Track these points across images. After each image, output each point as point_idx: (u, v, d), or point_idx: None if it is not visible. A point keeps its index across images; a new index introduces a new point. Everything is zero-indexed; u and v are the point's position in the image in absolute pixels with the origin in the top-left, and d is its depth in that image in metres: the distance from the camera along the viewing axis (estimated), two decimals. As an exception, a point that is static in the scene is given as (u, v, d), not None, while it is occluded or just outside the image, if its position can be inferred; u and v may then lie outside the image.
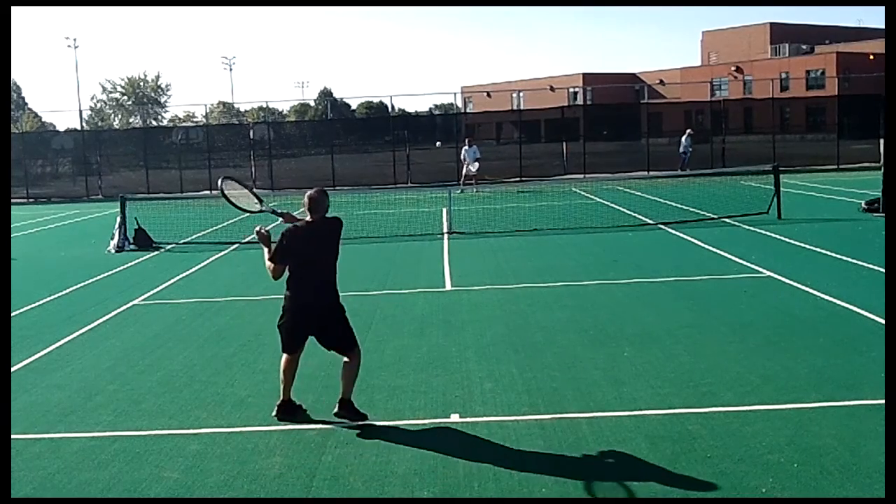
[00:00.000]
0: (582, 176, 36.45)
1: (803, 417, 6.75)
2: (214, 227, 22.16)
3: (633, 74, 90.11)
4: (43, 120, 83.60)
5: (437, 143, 32.40)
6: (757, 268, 13.21)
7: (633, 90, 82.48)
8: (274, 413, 7.15)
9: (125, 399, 7.94)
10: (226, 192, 7.41)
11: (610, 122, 59.76)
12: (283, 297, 7.11)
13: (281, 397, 7.18)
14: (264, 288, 13.45)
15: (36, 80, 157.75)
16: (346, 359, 7.11)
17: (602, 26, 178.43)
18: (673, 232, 18.07)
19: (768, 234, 17.07)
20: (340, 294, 7.30)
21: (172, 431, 7.05)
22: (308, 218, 7.10)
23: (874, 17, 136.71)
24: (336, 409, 6.99)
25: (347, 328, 7.16)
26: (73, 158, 43.88)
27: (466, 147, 32.38)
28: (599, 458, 6.08)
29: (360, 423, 6.87)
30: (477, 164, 31.93)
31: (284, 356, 7.15)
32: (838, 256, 13.96)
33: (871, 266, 12.83)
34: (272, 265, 6.98)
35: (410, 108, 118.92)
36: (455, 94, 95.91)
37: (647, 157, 38.97)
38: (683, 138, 36.56)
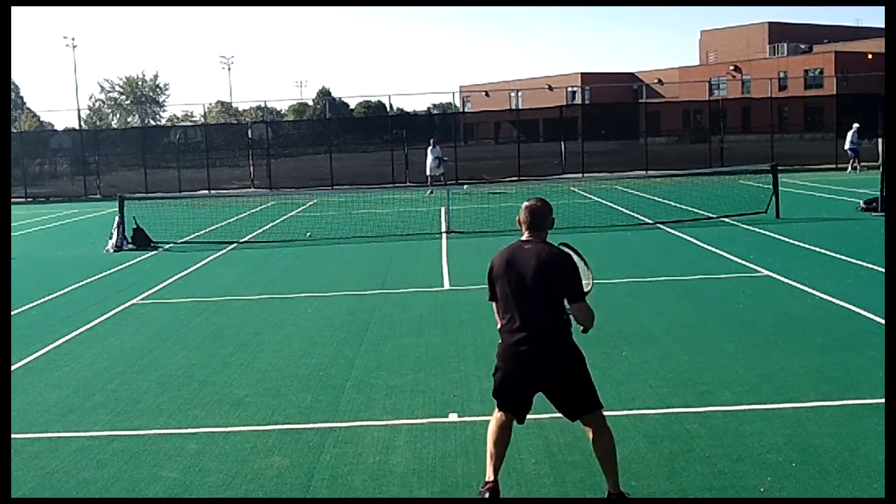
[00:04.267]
0: (580, 175, 36.46)
1: (801, 417, 6.75)
2: (213, 227, 22.18)
3: (632, 74, 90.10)
4: (41, 119, 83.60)
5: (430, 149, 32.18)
6: (755, 267, 13.22)
7: (631, 89, 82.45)
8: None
9: (123, 398, 7.94)
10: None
11: (608, 121, 59.63)
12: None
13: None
14: (262, 287, 13.48)
15: (34, 80, 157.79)
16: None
17: (600, 26, 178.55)
18: (671, 231, 18.07)
19: (767, 233, 17.08)
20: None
21: (171, 431, 7.04)
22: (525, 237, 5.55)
23: (873, 17, 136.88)
24: None
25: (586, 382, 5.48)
26: (72, 158, 43.83)
27: (431, 147, 31.92)
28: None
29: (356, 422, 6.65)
30: (438, 163, 31.48)
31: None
32: (837, 256, 13.97)
33: (869, 265, 12.83)
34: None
35: (409, 108, 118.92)
36: (453, 93, 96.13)
37: (646, 156, 38.97)
38: (850, 133, 33.51)
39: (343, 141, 53.78)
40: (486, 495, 5.29)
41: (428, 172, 31.58)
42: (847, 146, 33.98)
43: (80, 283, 14.38)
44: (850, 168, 34.02)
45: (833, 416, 6.74)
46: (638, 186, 30.24)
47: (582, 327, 5.32)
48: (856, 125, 33.43)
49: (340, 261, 16.04)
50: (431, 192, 29.59)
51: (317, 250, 17.62)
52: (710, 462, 5.93)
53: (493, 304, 5.47)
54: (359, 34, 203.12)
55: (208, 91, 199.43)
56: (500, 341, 5.36)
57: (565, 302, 5.27)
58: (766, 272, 12.76)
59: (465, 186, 30.23)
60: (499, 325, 5.39)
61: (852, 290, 11.18)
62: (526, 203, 5.51)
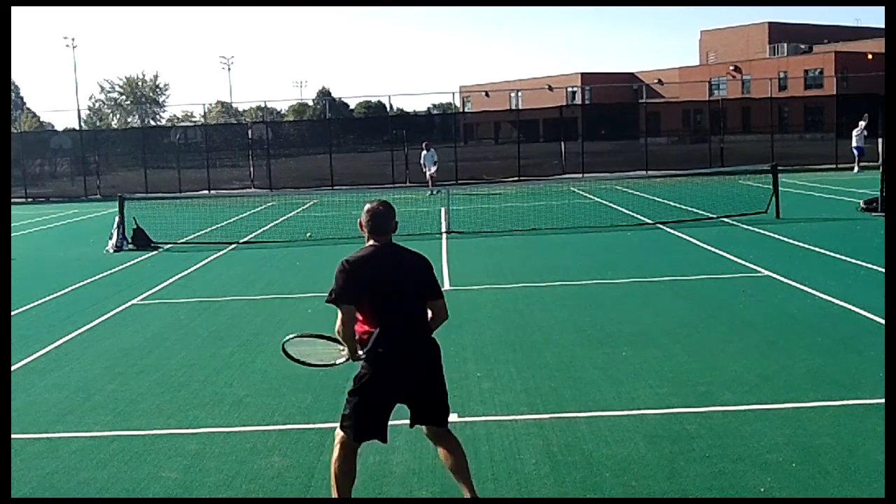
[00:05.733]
0: (580, 175, 36.47)
1: (801, 417, 6.75)
2: (213, 227, 22.17)
3: (632, 74, 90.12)
4: (41, 120, 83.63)
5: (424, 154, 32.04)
6: (755, 267, 13.22)
7: (631, 90, 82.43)
8: None
9: (123, 399, 7.94)
10: (293, 355, 5.42)
11: (608, 121, 59.76)
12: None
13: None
14: (262, 287, 13.48)
15: (34, 80, 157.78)
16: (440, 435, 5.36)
17: (600, 26, 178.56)
18: (671, 231, 18.07)
19: (767, 233, 17.08)
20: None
21: (171, 431, 7.04)
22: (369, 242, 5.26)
23: (873, 17, 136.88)
24: None
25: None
26: (72, 158, 43.86)
27: (424, 151, 31.85)
28: (598, 458, 6.08)
29: None
30: (435, 167, 31.46)
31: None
32: (837, 256, 13.97)
33: (869, 265, 12.83)
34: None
35: (409, 108, 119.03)
36: (453, 93, 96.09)
37: (646, 156, 38.97)
38: (857, 130, 32.94)
39: (343, 141, 53.86)
40: None
41: (432, 173, 31.56)
42: (854, 144, 33.71)
43: (80, 284, 14.38)
44: (856, 167, 33.81)
45: (833, 416, 6.73)
46: (638, 186, 30.24)
47: (436, 325, 5.23)
48: (863, 122, 32.59)
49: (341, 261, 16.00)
50: (437, 192, 29.55)
51: (317, 250, 17.62)
52: (710, 462, 5.92)
53: (341, 307, 5.04)
54: (359, 34, 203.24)
55: (208, 91, 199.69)
56: (366, 350, 5.03)
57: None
58: (766, 272, 12.76)
59: (441, 191, 29.95)
60: (362, 333, 5.06)
61: (852, 290, 11.18)
62: (368, 206, 5.20)
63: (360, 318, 5.08)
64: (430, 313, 5.19)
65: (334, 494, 5.15)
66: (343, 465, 5.13)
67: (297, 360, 5.37)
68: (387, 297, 5.04)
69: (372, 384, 5.02)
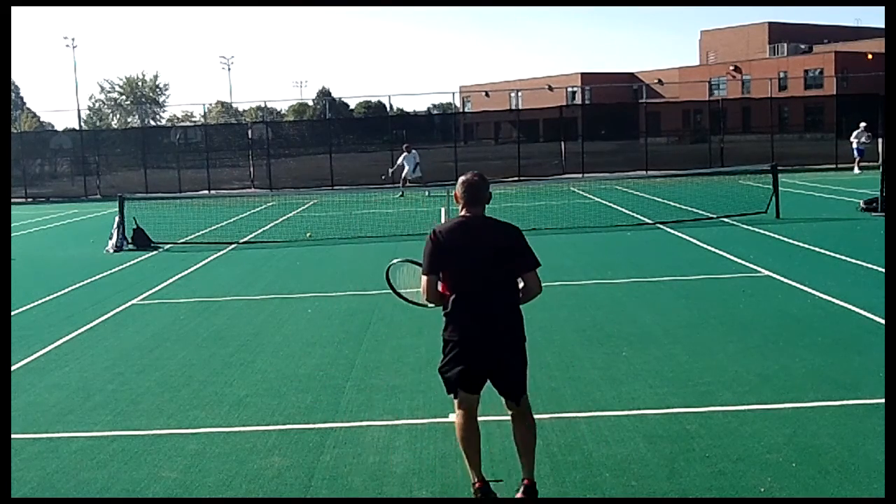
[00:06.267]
0: (580, 175, 36.48)
1: (801, 417, 6.75)
2: (213, 227, 22.18)
3: (632, 74, 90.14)
4: (41, 120, 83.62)
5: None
6: (755, 267, 13.22)
7: (631, 90, 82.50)
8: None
9: (123, 399, 7.94)
10: (393, 282, 5.83)
11: (608, 121, 59.80)
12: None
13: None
14: (262, 287, 13.48)
15: (34, 80, 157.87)
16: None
17: (600, 26, 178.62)
18: (671, 231, 18.07)
19: (767, 233, 17.08)
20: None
21: (171, 431, 7.04)
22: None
23: (873, 17, 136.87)
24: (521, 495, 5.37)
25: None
26: (72, 158, 43.87)
27: (406, 154, 31.30)
28: (598, 458, 6.08)
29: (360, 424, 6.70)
30: (417, 169, 31.11)
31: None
32: (837, 256, 13.97)
33: (869, 265, 12.83)
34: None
35: (409, 108, 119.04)
36: (453, 93, 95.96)
37: (646, 156, 38.98)
38: (856, 133, 33.17)
39: (343, 141, 53.87)
40: (479, 495, 5.34)
41: (403, 175, 31.15)
42: (855, 146, 33.71)
43: (81, 283, 14.38)
44: (856, 167, 33.78)
45: (833, 416, 6.73)
46: (638, 186, 30.24)
47: (528, 298, 5.33)
48: (863, 124, 32.87)
49: (340, 261, 16.04)
50: (402, 195, 29.57)
51: (317, 250, 17.62)
52: (709, 462, 5.92)
53: (426, 277, 5.28)
54: (359, 34, 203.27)
55: (208, 91, 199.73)
56: (445, 313, 5.27)
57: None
58: (766, 272, 12.76)
59: (428, 192, 29.88)
60: (447, 299, 5.25)
61: (852, 290, 11.18)
62: (463, 178, 5.38)
63: (442, 284, 5.32)
64: (521, 284, 5.30)
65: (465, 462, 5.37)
66: (460, 430, 5.33)
67: (395, 289, 5.72)
68: (464, 266, 5.23)
69: (449, 346, 5.29)
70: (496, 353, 5.25)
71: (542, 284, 5.40)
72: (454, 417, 5.44)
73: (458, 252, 5.22)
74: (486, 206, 5.39)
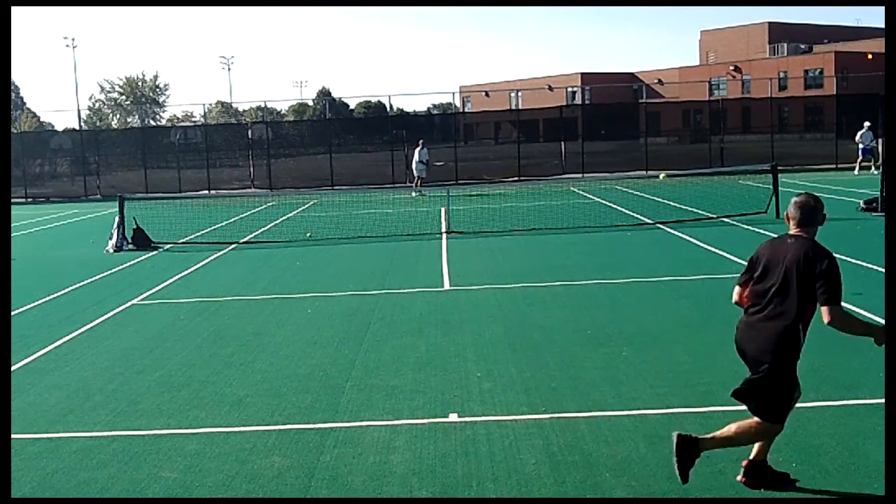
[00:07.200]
0: (580, 175, 36.48)
1: (801, 417, 6.74)
2: (213, 227, 22.19)
3: (632, 74, 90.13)
4: (41, 120, 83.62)
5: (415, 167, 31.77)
6: (755, 267, 13.19)
7: (631, 90, 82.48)
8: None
9: (124, 399, 7.94)
10: None
11: (608, 121, 59.78)
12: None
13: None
14: (263, 287, 13.48)
15: (34, 80, 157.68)
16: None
17: (600, 26, 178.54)
18: (671, 231, 18.07)
19: (767, 233, 17.07)
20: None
21: (171, 431, 7.04)
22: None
23: (873, 17, 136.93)
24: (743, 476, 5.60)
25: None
26: (72, 158, 43.86)
27: (419, 149, 31.30)
28: (598, 458, 6.08)
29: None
30: (423, 166, 31.11)
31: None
32: (837, 256, 13.91)
33: (869, 265, 12.83)
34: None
35: (409, 108, 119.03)
36: (453, 93, 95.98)
37: (646, 156, 38.96)
38: (861, 134, 32.47)
39: (343, 141, 53.90)
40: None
41: (416, 174, 31.28)
42: (861, 147, 33.55)
43: (80, 284, 14.38)
44: (857, 168, 33.59)
45: (833, 416, 6.74)
46: (638, 186, 30.24)
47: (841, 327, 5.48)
48: (867, 124, 32.43)
49: (340, 261, 16.03)
50: (421, 195, 29.56)
51: (317, 250, 17.62)
52: (710, 462, 5.91)
53: (738, 285, 6.02)
54: (359, 34, 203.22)
55: (208, 91, 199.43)
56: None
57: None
58: (766, 272, 12.73)
59: (421, 192, 29.89)
60: (743, 304, 6.02)
61: (852, 290, 11.16)
62: (795, 198, 5.75)
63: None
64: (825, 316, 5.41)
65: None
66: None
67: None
68: (761, 281, 5.79)
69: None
70: (750, 366, 6.27)
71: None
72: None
73: (761, 265, 6.28)
74: None
